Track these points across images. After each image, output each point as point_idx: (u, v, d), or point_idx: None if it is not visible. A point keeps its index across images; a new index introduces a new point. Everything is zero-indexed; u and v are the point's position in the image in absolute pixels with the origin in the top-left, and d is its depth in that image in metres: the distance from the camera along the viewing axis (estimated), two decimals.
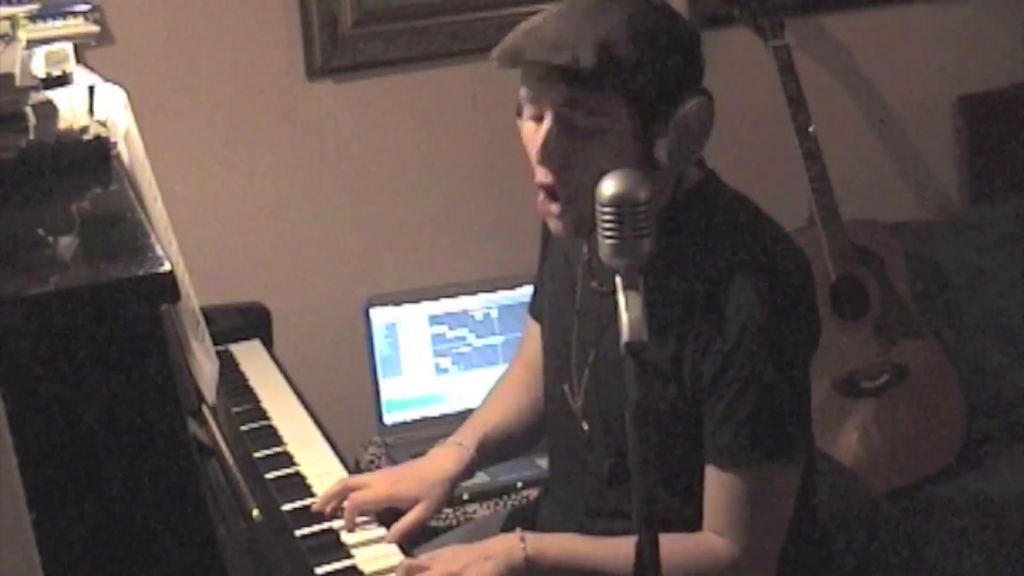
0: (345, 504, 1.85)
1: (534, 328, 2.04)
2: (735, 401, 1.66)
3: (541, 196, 1.70)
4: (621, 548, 1.68)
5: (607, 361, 1.77)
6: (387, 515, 1.88)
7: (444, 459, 1.95)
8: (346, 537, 1.81)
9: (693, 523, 1.73)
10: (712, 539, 1.71)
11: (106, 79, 1.85)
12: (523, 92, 1.69)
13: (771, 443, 1.68)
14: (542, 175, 1.68)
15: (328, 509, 1.85)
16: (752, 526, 1.69)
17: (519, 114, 1.73)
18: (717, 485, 1.70)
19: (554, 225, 1.72)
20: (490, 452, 2.00)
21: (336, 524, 1.84)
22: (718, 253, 1.68)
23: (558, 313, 1.90)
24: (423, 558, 1.75)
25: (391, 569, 1.74)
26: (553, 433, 1.95)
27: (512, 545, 1.72)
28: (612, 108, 1.62)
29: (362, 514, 1.85)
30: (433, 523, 2.49)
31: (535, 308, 2.06)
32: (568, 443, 1.88)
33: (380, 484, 1.89)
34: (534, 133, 1.68)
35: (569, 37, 1.60)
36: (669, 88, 1.62)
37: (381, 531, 1.83)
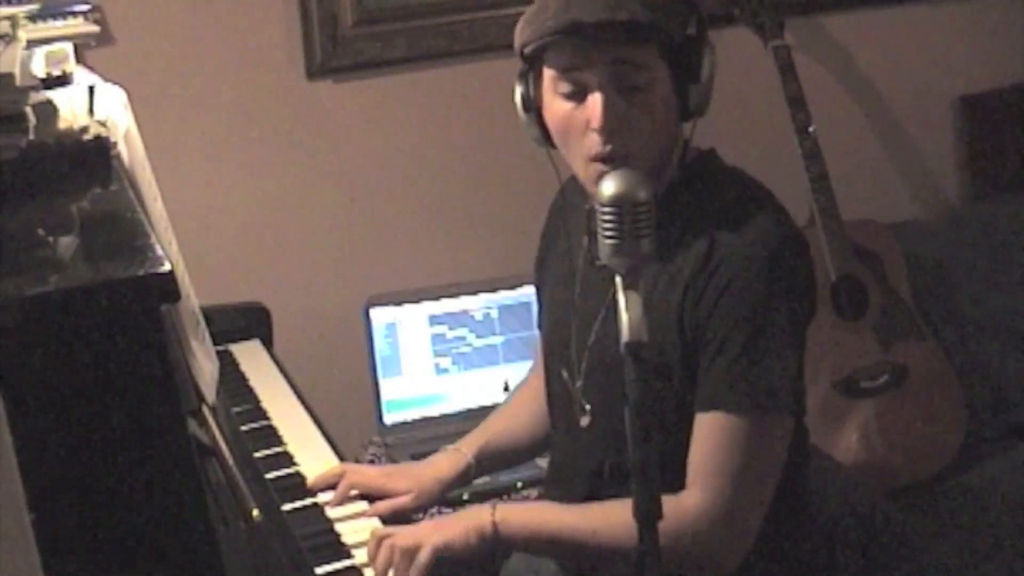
0: (340, 483, 1.93)
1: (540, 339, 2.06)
2: (725, 342, 1.68)
3: (595, 166, 1.71)
4: (587, 513, 1.73)
5: (607, 338, 1.78)
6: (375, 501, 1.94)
7: (441, 463, 2.00)
8: (347, 536, 1.81)
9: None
10: (682, 496, 1.69)
11: (106, 79, 1.85)
12: (560, 68, 1.71)
13: (754, 391, 1.68)
14: (598, 144, 1.70)
15: (319, 487, 1.93)
16: (727, 478, 1.67)
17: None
18: (700, 432, 1.70)
19: None
20: (491, 460, 2.04)
21: (337, 524, 1.85)
22: (719, 212, 1.73)
23: (559, 296, 1.91)
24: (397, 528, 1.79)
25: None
26: (555, 421, 1.96)
27: (481, 512, 1.76)
28: (655, 61, 1.69)
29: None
30: None
31: (540, 319, 2.07)
32: (569, 426, 1.89)
33: (375, 472, 1.98)
34: (574, 110, 1.71)
35: None
36: (693, 37, 1.70)
37: (363, 505, 1.89)
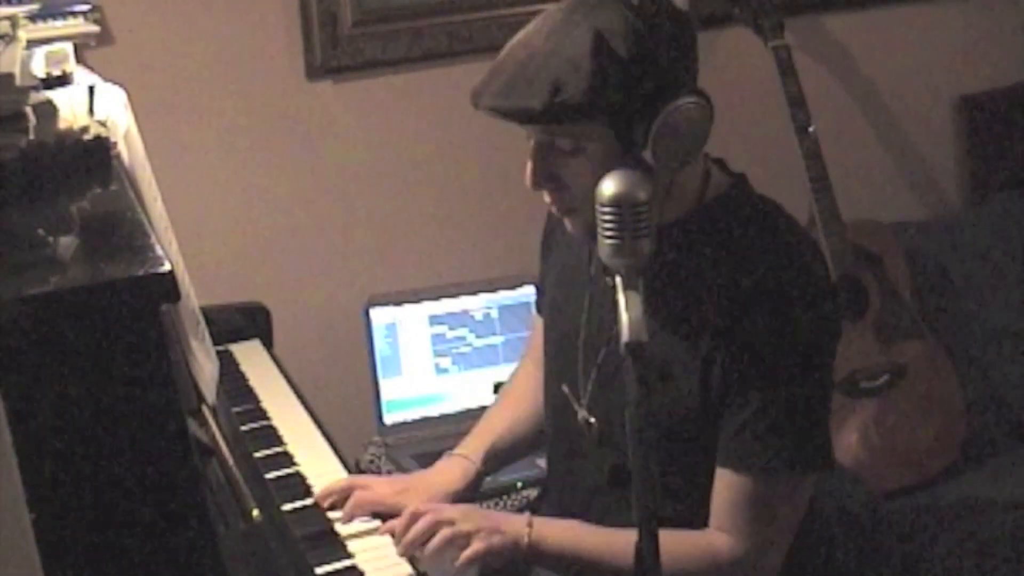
0: (349, 501, 1.86)
1: (541, 325, 2.05)
2: (762, 405, 1.65)
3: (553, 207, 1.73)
4: (622, 538, 1.69)
5: (618, 357, 1.77)
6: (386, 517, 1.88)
7: (450, 473, 1.96)
8: (340, 528, 1.81)
9: (693, 525, 1.73)
10: (714, 537, 1.71)
11: (106, 79, 1.85)
12: None
13: (792, 452, 1.67)
14: (543, 195, 1.71)
15: (327, 503, 1.87)
16: (760, 528, 1.69)
17: None
18: (730, 487, 1.69)
19: (570, 228, 1.75)
20: (498, 460, 2.02)
21: (337, 523, 1.84)
22: (754, 256, 1.69)
23: (565, 310, 1.89)
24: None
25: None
26: (555, 432, 1.95)
27: (519, 528, 1.74)
28: (587, 127, 1.61)
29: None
30: None
31: (541, 306, 2.07)
32: (571, 441, 1.88)
33: (384, 489, 1.90)
34: None
35: (522, 79, 1.59)
36: (642, 100, 1.57)
37: (376, 523, 1.85)
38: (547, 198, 1.72)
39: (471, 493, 1.97)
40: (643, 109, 1.57)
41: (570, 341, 1.86)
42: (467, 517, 1.74)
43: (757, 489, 1.68)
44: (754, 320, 1.65)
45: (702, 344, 1.68)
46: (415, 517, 1.72)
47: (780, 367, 1.65)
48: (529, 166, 1.68)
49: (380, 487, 1.90)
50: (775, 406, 1.65)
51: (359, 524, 1.83)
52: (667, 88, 1.57)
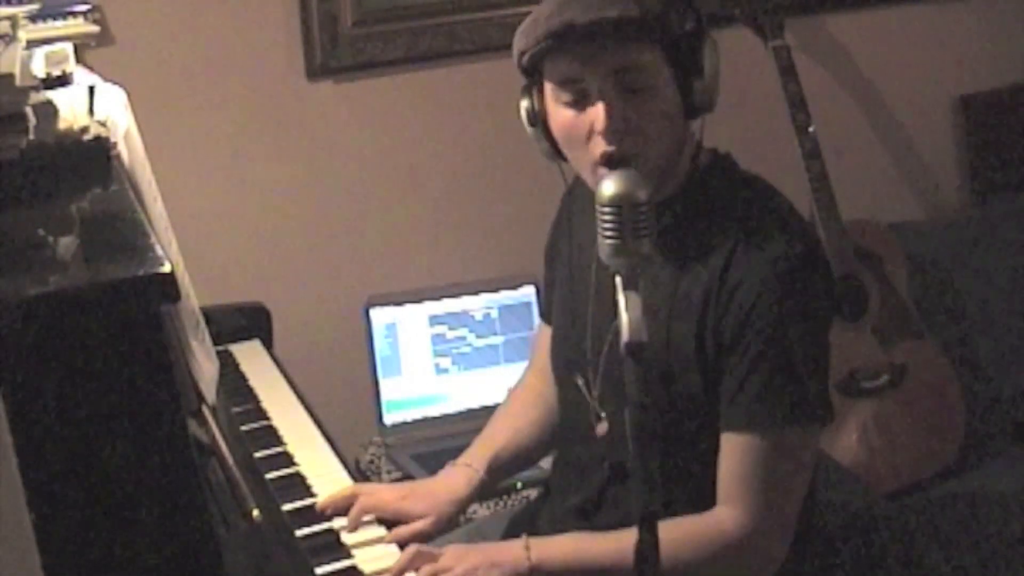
0: (353, 507, 1.85)
1: (546, 333, 2.04)
2: (756, 360, 1.67)
3: (602, 171, 1.67)
4: (624, 541, 1.69)
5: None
6: (391, 521, 1.88)
7: (455, 481, 1.94)
8: (346, 537, 1.81)
9: (708, 508, 1.72)
10: (718, 514, 1.70)
11: (106, 79, 1.85)
12: (558, 79, 1.70)
13: (791, 404, 1.68)
14: (603, 146, 1.68)
15: (330, 511, 1.86)
16: (766, 493, 1.68)
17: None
18: (733, 451, 1.69)
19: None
20: (501, 471, 1.99)
21: (337, 524, 1.84)
22: (738, 221, 1.72)
23: (571, 303, 1.89)
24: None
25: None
26: (565, 426, 1.95)
27: (518, 554, 1.72)
28: (654, 60, 1.67)
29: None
30: None
31: (547, 312, 2.05)
32: (582, 434, 1.87)
33: (390, 495, 1.89)
34: (576, 117, 1.70)
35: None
36: (691, 30, 1.68)
37: (381, 531, 1.84)
38: (609, 147, 1.67)
39: (474, 501, 1.96)
40: (692, 42, 1.68)
41: (577, 333, 1.86)
42: (462, 558, 1.72)
43: (760, 448, 1.67)
44: (739, 286, 1.68)
45: (695, 309, 1.70)
46: (415, 560, 1.71)
47: (769, 319, 1.67)
48: (602, 115, 1.66)
49: (383, 493, 1.90)
50: (771, 359, 1.67)
51: (364, 533, 1.82)
52: (700, 23, 1.70)
